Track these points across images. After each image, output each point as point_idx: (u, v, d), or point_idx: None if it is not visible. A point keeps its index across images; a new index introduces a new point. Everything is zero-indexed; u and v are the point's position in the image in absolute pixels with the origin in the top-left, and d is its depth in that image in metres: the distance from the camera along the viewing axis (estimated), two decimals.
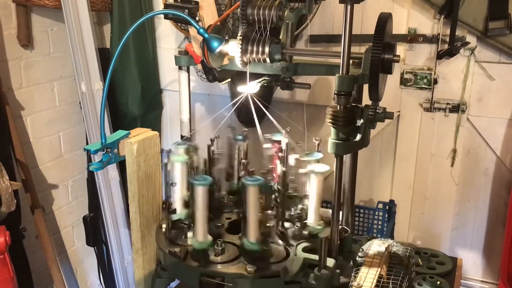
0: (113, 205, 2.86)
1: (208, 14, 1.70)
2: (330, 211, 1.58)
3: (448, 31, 2.30)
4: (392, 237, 2.44)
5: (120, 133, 1.64)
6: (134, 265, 1.79)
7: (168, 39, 2.98)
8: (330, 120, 1.42)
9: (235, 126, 1.88)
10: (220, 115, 2.39)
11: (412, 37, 2.44)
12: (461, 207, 2.60)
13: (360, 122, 1.47)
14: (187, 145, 1.69)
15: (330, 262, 1.44)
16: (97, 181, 2.80)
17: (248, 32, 1.60)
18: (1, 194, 2.02)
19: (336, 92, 1.40)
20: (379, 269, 1.51)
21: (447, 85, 2.45)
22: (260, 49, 1.58)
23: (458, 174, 2.55)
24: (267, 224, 1.54)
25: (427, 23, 2.41)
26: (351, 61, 1.46)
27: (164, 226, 1.68)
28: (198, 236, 1.51)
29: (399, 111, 2.56)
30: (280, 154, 1.65)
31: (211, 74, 1.83)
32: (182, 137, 1.96)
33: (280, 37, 1.65)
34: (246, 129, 1.80)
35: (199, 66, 1.86)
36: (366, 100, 1.51)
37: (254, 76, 1.75)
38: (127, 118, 2.98)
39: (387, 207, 2.59)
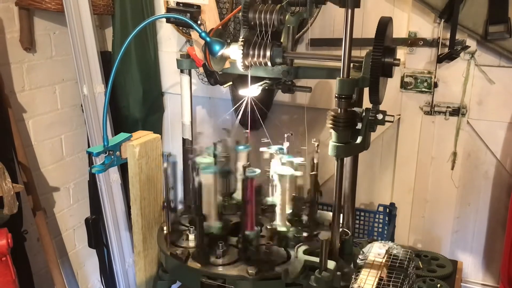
0: (115, 208, 2.87)
1: (210, 18, 1.71)
2: (331, 213, 1.59)
3: (448, 35, 2.32)
4: (392, 240, 2.44)
5: (122, 135, 1.65)
6: (135, 267, 1.80)
7: (169, 42, 3.00)
8: (330, 123, 1.43)
9: (230, 129, 1.89)
10: (223, 118, 2.41)
11: (413, 41, 2.45)
12: (461, 210, 2.61)
13: (360, 125, 1.48)
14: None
15: (331, 264, 1.45)
16: (99, 184, 2.81)
17: (250, 36, 1.61)
18: (3, 197, 2.03)
19: (336, 95, 1.41)
20: (379, 272, 1.52)
21: (447, 88, 2.46)
22: (261, 52, 1.59)
23: (459, 177, 2.56)
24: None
25: (427, 27, 2.42)
26: (351, 65, 1.48)
27: (165, 228, 1.69)
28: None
29: (400, 115, 2.57)
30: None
31: (212, 77, 1.84)
32: (183, 140, 1.97)
33: (281, 40, 1.66)
34: (247, 131, 1.80)
35: (201, 70, 1.87)
36: (366, 103, 1.52)
37: (255, 79, 1.76)
38: (128, 121, 2.99)
39: (387, 210, 2.60)
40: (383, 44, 1.41)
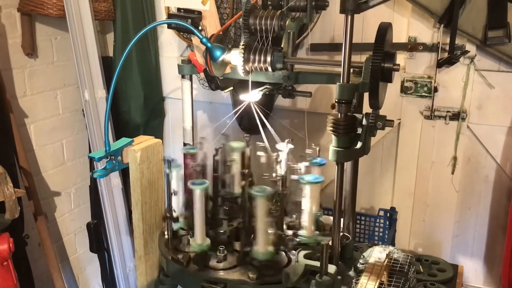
0: (116, 212, 2.88)
1: (211, 23, 1.72)
2: (331, 218, 1.59)
3: (448, 40, 2.33)
4: (393, 244, 2.44)
5: (124, 140, 1.66)
6: (136, 272, 1.80)
7: (170, 47, 3.01)
8: (331, 128, 1.44)
9: (229, 134, 1.88)
10: (223, 123, 2.41)
11: (412, 46, 2.46)
12: (461, 215, 2.61)
13: (360, 130, 1.49)
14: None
15: (331, 268, 1.45)
16: (100, 189, 2.82)
17: (250, 42, 1.62)
18: (5, 201, 2.04)
19: (336, 100, 1.42)
20: (380, 276, 1.52)
21: (447, 93, 2.47)
22: (262, 58, 1.60)
23: (459, 182, 2.56)
24: (275, 232, 1.55)
25: (427, 32, 2.43)
26: (351, 70, 1.49)
27: (166, 233, 1.69)
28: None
29: (400, 119, 2.58)
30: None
31: (213, 83, 1.85)
32: (184, 144, 1.98)
33: (282, 46, 1.67)
34: (248, 135, 1.81)
35: (202, 75, 1.88)
36: (366, 108, 1.53)
37: (256, 84, 1.77)
38: (129, 125, 3.01)
39: (388, 214, 2.60)
40: (383, 49, 1.42)
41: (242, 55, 1.60)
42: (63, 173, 2.96)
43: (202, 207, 1.52)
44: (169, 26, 1.78)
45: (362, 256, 1.64)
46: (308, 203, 1.61)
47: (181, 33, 2.81)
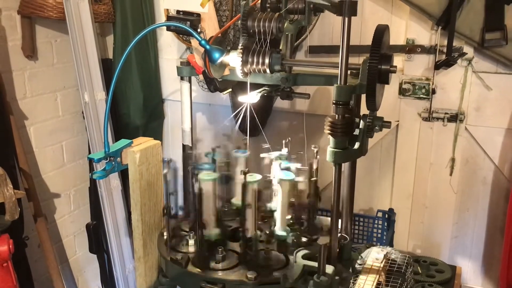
0: (115, 214, 2.89)
1: (210, 26, 1.73)
2: (329, 219, 1.60)
3: (445, 42, 2.34)
4: (391, 246, 2.45)
5: (123, 142, 1.67)
6: (136, 272, 1.81)
7: (170, 49, 3.03)
8: (328, 129, 1.45)
9: (230, 134, 1.90)
10: (222, 124, 2.43)
11: (410, 48, 2.48)
12: (460, 216, 2.62)
13: (358, 131, 1.50)
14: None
15: (329, 269, 1.46)
16: (99, 190, 2.83)
17: (249, 44, 1.63)
18: (5, 203, 2.05)
19: (334, 101, 1.43)
20: (378, 276, 1.53)
21: (445, 95, 2.49)
22: (261, 60, 1.61)
23: (457, 183, 2.57)
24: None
25: (425, 34, 2.45)
26: (349, 72, 1.50)
27: (165, 233, 1.70)
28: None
29: (398, 121, 2.59)
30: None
31: (212, 84, 1.86)
32: (183, 146, 1.99)
33: (280, 48, 1.69)
34: (246, 137, 1.82)
35: (201, 77, 1.89)
36: (364, 110, 1.54)
37: (255, 86, 1.78)
38: (129, 127, 3.01)
39: (386, 216, 2.61)
40: (380, 51, 1.44)
41: (241, 57, 1.61)
42: (63, 175, 2.97)
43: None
44: (168, 28, 1.79)
45: (360, 257, 1.65)
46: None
47: (180, 35, 2.83)
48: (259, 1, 1.76)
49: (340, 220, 1.65)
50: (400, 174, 2.67)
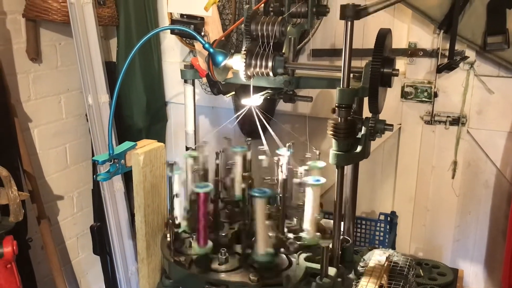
0: (118, 216, 2.90)
1: (213, 29, 1.75)
2: (332, 221, 1.61)
3: (447, 46, 2.35)
4: (393, 249, 2.46)
5: (127, 144, 1.68)
6: (139, 274, 1.81)
7: (173, 52, 3.04)
8: (331, 132, 1.46)
9: (231, 138, 1.90)
10: (225, 127, 2.44)
11: (413, 51, 2.49)
12: (462, 219, 2.63)
13: (360, 134, 1.51)
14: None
15: (332, 271, 1.46)
16: (102, 192, 2.84)
17: (252, 47, 1.64)
18: (9, 204, 2.06)
19: (337, 104, 1.44)
20: (380, 279, 1.54)
21: (447, 98, 2.49)
22: (264, 63, 1.62)
23: (459, 186, 2.58)
24: (276, 235, 1.57)
25: (427, 37, 2.46)
26: (352, 75, 1.51)
27: (169, 235, 1.71)
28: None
29: (400, 124, 2.60)
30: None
31: (215, 87, 1.87)
32: (187, 148, 2.00)
33: (283, 51, 1.70)
34: (249, 139, 1.83)
35: (204, 80, 1.90)
36: (366, 113, 1.55)
37: (258, 89, 1.79)
38: (132, 130, 3.03)
39: (388, 219, 2.62)
40: (382, 54, 1.44)
41: (244, 60, 1.62)
42: (66, 177, 2.98)
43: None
44: (172, 31, 1.81)
45: (362, 259, 1.65)
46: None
47: (184, 39, 2.84)
48: (262, 5, 1.78)
49: (342, 223, 1.66)
50: (402, 177, 2.68)
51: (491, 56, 2.34)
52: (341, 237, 1.63)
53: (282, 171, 1.66)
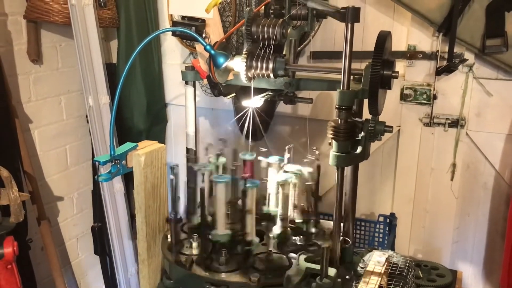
0: (118, 217, 2.90)
1: (214, 31, 1.76)
2: (332, 222, 1.62)
3: (446, 48, 2.37)
4: (393, 250, 2.46)
5: (128, 145, 1.69)
6: (140, 275, 1.82)
7: (173, 54, 3.05)
8: (331, 134, 1.47)
9: (227, 139, 1.92)
10: (224, 129, 2.45)
11: (412, 54, 2.50)
12: (461, 221, 2.64)
13: (360, 135, 1.52)
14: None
15: (332, 271, 1.47)
16: (102, 193, 2.84)
17: (253, 49, 1.65)
18: (10, 205, 2.06)
19: (337, 106, 1.46)
20: (379, 280, 1.54)
21: (446, 100, 2.51)
22: (265, 65, 1.63)
23: (458, 188, 2.59)
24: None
25: (426, 40, 2.47)
26: (352, 77, 1.52)
27: (169, 236, 1.72)
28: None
29: (399, 126, 2.61)
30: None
31: (216, 89, 1.88)
32: (187, 149, 2.01)
33: (284, 53, 1.71)
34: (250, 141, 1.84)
35: (205, 81, 1.91)
36: (366, 114, 1.56)
37: (258, 90, 1.80)
38: (132, 131, 3.03)
39: (388, 220, 2.62)
40: (382, 57, 1.46)
41: (245, 62, 1.63)
42: (66, 178, 2.99)
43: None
44: (174, 33, 1.82)
45: (361, 260, 1.66)
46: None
47: (184, 41, 2.85)
48: (263, 7, 1.79)
49: (342, 224, 1.67)
50: (401, 179, 2.69)
51: (490, 59, 2.36)
52: (341, 238, 1.64)
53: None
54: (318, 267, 1.47)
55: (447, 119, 2.52)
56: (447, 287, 2.29)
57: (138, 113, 3.01)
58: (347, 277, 1.56)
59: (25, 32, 2.62)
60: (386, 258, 1.65)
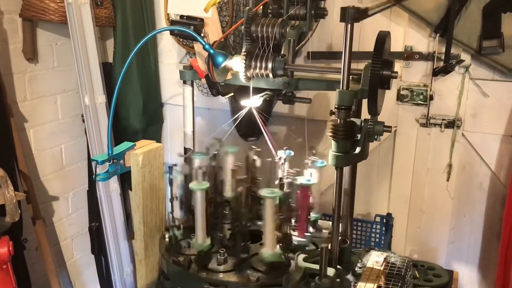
0: (114, 217, 2.89)
1: (213, 30, 1.75)
2: (330, 223, 1.62)
3: (443, 49, 2.38)
4: (389, 250, 2.47)
5: (126, 144, 1.68)
6: (137, 275, 1.82)
7: (170, 54, 3.05)
8: (330, 133, 1.47)
9: (224, 140, 1.91)
10: (221, 129, 2.44)
11: (409, 55, 2.51)
12: (457, 221, 2.65)
13: (359, 135, 1.52)
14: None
15: (330, 271, 1.47)
16: (98, 193, 2.83)
17: (252, 48, 1.65)
18: (5, 205, 2.05)
19: (336, 106, 1.46)
20: (378, 280, 1.55)
21: (443, 101, 2.52)
22: (264, 64, 1.63)
23: (454, 189, 2.60)
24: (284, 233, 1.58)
25: (423, 41, 2.48)
26: (350, 77, 1.52)
27: (167, 236, 1.71)
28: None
29: (396, 127, 2.62)
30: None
31: (214, 88, 1.88)
32: (185, 149, 2.01)
33: (282, 53, 1.71)
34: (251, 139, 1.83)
35: (202, 81, 1.91)
36: (365, 114, 1.56)
37: (256, 90, 1.80)
38: (128, 131, 3.02)
39: (384, 220, 2.63)
40: (382, 57, 1.46)
41: (244, 62, 1.63)
42: (62, 178, 2.97)
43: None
44: (172, 32, 1.81)
45: (360, 260, 1.66)
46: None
47: (181, 40, 2.84)
48: (261, 7, 1.79)
49: (340, 224, 1.67)
50: (397, 179, 2.70)
51: (486, 60, 2.37)
52: (339, 238, 1.64)
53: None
54: (317, 267, 1.47)
55: (443, 119, 2.53)
56: (444, 287, 2.30)
57: (134, 112, 3.00)
58: (345, 277, 1.56)
59: (21, 31, 2.60)
60: (384, 258, 1.66)
